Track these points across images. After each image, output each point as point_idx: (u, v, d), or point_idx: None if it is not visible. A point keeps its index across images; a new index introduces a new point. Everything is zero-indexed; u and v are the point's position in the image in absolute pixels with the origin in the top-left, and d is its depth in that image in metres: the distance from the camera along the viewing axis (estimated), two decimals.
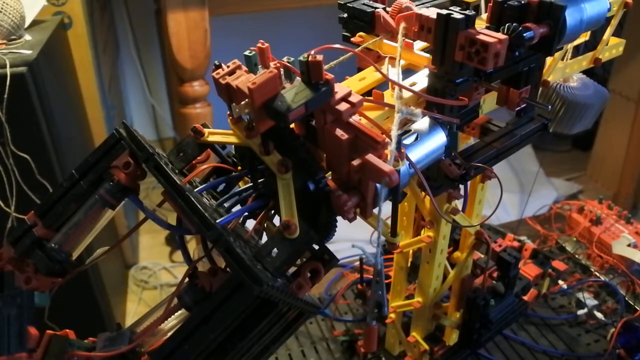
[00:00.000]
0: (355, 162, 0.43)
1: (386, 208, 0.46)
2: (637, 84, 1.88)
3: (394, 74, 0.51)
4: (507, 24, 0.49)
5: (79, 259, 0.53)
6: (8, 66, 0.91)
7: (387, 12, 0.57)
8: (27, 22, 1.10)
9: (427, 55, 0.54)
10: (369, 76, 0.55)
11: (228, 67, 0.46)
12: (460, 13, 0.47)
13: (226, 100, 0.46)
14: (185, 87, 1.37)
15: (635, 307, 0.99)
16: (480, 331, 0.76)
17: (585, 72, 0.73)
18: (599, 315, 0.99)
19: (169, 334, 0.51)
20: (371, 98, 0.52)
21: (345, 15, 0.60)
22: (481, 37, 0.45)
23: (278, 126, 0.44)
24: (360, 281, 0.92)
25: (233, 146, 0.53)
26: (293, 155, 0.46)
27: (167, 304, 0.51)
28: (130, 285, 1.82)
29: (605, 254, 1.08)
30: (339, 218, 0.47)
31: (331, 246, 0.49)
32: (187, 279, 0.50)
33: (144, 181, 0.51)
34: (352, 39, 0.61)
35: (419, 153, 0.50)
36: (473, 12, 0.47)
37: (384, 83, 0.54)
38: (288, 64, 0.44)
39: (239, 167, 0.54)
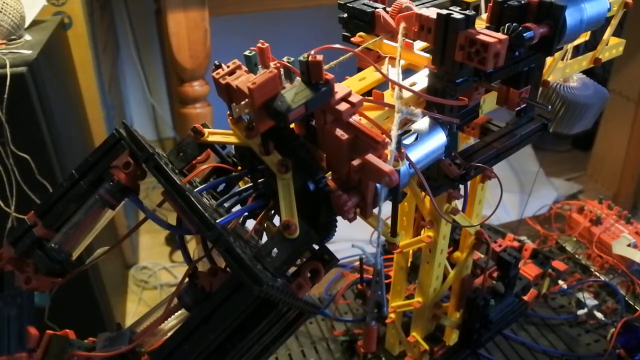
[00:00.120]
0: (355, 162, 0.43)
1: (386, 208, 0.46)
2: (637, 84, 1.88)
3: (394, 74, 0.51)
4: (507, 24, 0.49)
5: (79, 259, 0.53)
6: (8, 66, 0.91)
7: (387, 12, 0.57)
8: (27, 22, 1.10)
9: (427, 55, 0.54)
10: (369, 76, 0.55)
11: (228, 67, 0.46)
12: (460, 13, 0.46)
13: (226, 100, 0.46)
14: (185, 87, 1.37)
15: (635, 307, 0.99)
16: (480, 331, 0.76)
17: (585, 72, 0.73)
18: (599, 315, 0.99)
19: (169, 334, 0.51)
20: (371, 98, 0.52)
21: (345, 15, 0.60)
22: (481, 37, 0.45)
23: (278, 126, 0.44)
24: (360, 281, 0.92)
25: (233, 146, 0.53)
26: (293, 155, 0.46)
27: (167, 304, 0.51)
28: (130, 285, 1.82)
29: (605, 254, 1.08)
30: (339, 218, 0.47)
31: (331, 246, 0.49)
32: (187, 279, 0.50)
33: (144, 181, 0.51)
34: (352, 39, 0.61)
35: (419, 153, 0.50)
36: (473, 12, 0.47)
37: (384, 83, 0.54)
38: (288, 64, 0.44)
39: (239, 167, 0.54)
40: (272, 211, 0.50)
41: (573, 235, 1.16)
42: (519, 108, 0.57)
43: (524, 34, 0.48)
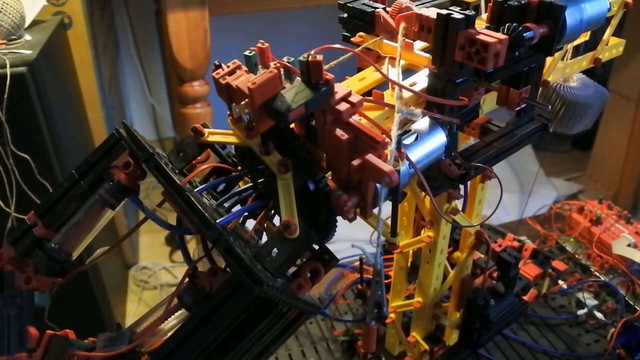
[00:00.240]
0: (355, 162, 0.43)
1: (386, 208, 0.46)
2: (637, 84, 1.88)
3: (394, 74, 0.51)
4: (507, 24, 0.49)
5: (79, 259, 0.53)
6: (8, 66, 0.91)
7: (387, 12, 0.57)
8: (27, 22, 1.10)
9: (427, 55, 0.54)
10: (369, 76, 0.55)
11: (228, 67, 0.46)
12: (460, 13, 0.46)
13: (226, 100, 0.46)
14: (185, 87, 1.37)
15: (635, 307, 0.99)
16: (480, 331, 0.76)
17: (585, 72, 0.73)
18: (599, 315, 0.99)
19: (169, 334, 0.51)
20: (371, 98, 0.52)
21: (345, 15, 0.60)
22: (481, 37, 0.45)
23: (278, 126, 0.44)
24: (360, 281, 0.92)
25: (233, 146, 0.53)
26: (293, 155, 0.46)
27: (167, 304, 0.51)
28: (130, 285, 1.82)
29: (605, 254, 1.08)
30: (339, 218, 0.47)
31: (331, 246, 0.49)
32: (187, 279, 0.50)
33: (144, 181, 0.51)
34: (352, 39, 0.61)
35: (419, 153, 0.50)
36: (473, 12, 0.47)
37: (384, 83, 0.54)
38: (288, 64, 0.44)
39: (239, 167, 0.54)
40: (272, 211, 0.50)
41: (573, 235, 1.16)
42: (519, 108, 0.57)
43: (524, 34, 0.48)
